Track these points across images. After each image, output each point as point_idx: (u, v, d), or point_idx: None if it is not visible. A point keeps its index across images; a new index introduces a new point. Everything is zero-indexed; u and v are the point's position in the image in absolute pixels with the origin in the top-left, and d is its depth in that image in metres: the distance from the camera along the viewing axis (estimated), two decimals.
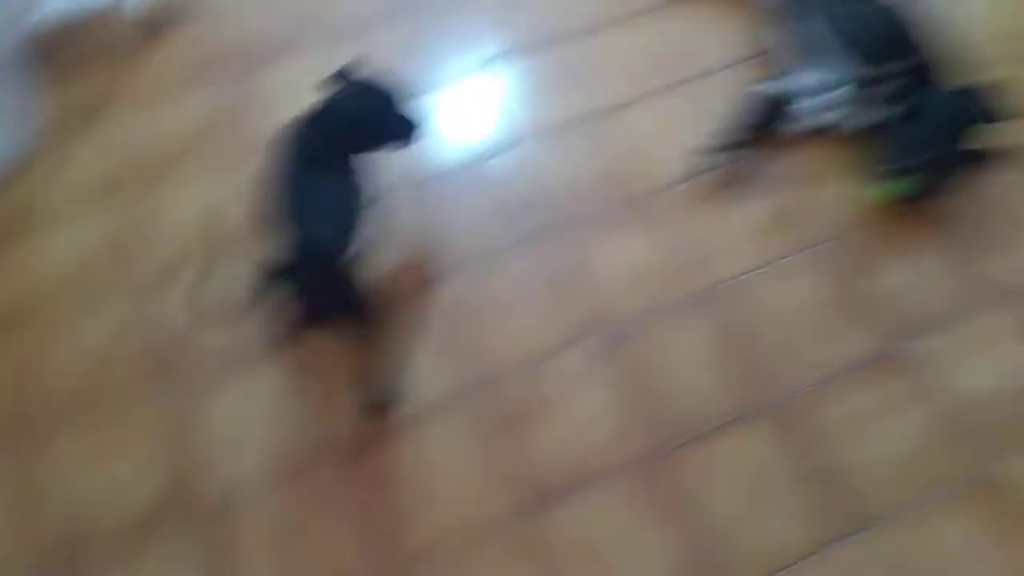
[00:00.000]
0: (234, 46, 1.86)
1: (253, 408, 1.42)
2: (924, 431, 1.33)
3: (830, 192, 1.58)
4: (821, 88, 1.59)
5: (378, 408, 1.40)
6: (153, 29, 1.89)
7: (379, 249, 1.54)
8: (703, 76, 1.74)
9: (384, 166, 1.52)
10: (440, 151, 1.67)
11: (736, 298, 1.47)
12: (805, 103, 1.60)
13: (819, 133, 1.63)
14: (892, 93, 1.55)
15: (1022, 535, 1.24)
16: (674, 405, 1.38)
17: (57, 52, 1.86)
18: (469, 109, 1.74)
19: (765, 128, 1.62)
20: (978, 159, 1.57)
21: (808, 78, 1.60)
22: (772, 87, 1.62)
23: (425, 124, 1.43)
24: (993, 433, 1.33)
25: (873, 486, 1.29)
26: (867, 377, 1.38)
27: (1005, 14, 1.82)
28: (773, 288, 1.48)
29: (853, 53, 1.58)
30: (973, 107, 1.49)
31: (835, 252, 1.51)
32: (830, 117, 1.61)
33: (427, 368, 1.43)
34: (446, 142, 1.69)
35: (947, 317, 1.44)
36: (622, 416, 1.37)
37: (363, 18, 1.89)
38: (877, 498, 1.28)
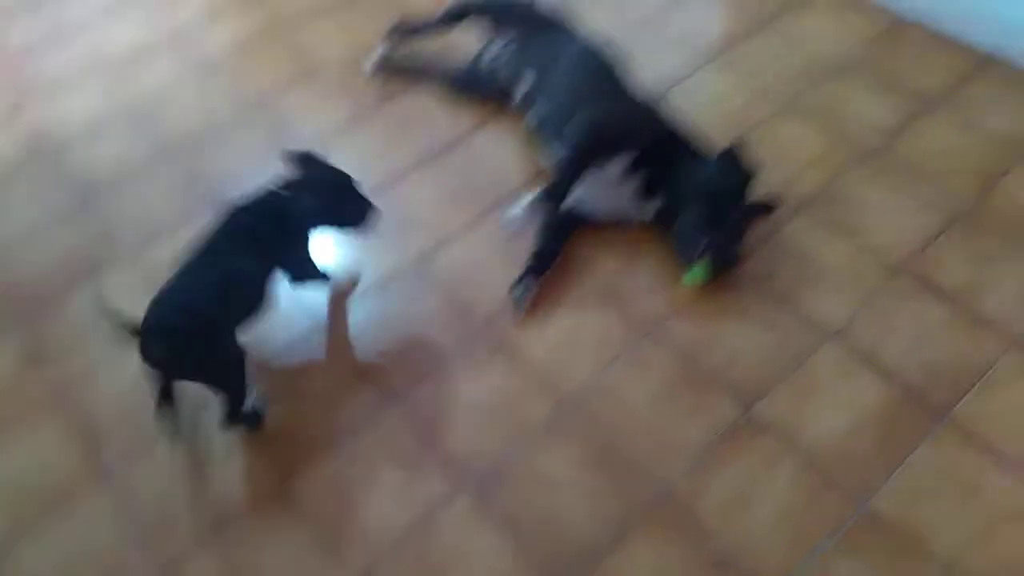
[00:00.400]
0: (20, 286, 1.76)
1: None
2: (798, 486, 1.38)
3: (651, 278, 1.66)
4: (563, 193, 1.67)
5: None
6: None
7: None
8: (509, 197, 1.81)
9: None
10: (285, 321, 1.63)
11: (594, 403, 1.49)
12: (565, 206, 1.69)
13: (622, 227, 1.72)
14: (648, 181, 1.65)
15: (911, 560, 1.29)
16: (562, 535, 1.35)
17: None
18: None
19: (558, 238, 1.70)
20: (759, 213, 1.70)
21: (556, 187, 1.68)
22: (536, 200, 1.69)
23: (376, 210, 1.57)
24: (859, 467, 1.39)
25: (768, 554, 1.30)
26: (732, 448, 1.42)
27: (727, 98, 2.02)
28: (624, 383, 1.51)
29: (584, 156, 1.66)
30: (730, 173, 1.61)
31: (671, 334, 1.58)
32: (609, 214, 1.71)
33: (304, 571, 1.34)
34: (288, 311, 1.65)
35: (785, 367, 1.52)
36: (516, 563, 1.33)
37: (163, 222, 1.85)
38: (775, 565, 1.30)
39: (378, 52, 2.09)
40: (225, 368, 1.41)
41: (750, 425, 1.45)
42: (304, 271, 1.58)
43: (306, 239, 1.53)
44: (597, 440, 1.45)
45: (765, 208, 1.70)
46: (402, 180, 1.88)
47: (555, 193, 1.66)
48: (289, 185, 1.48)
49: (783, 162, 1.84)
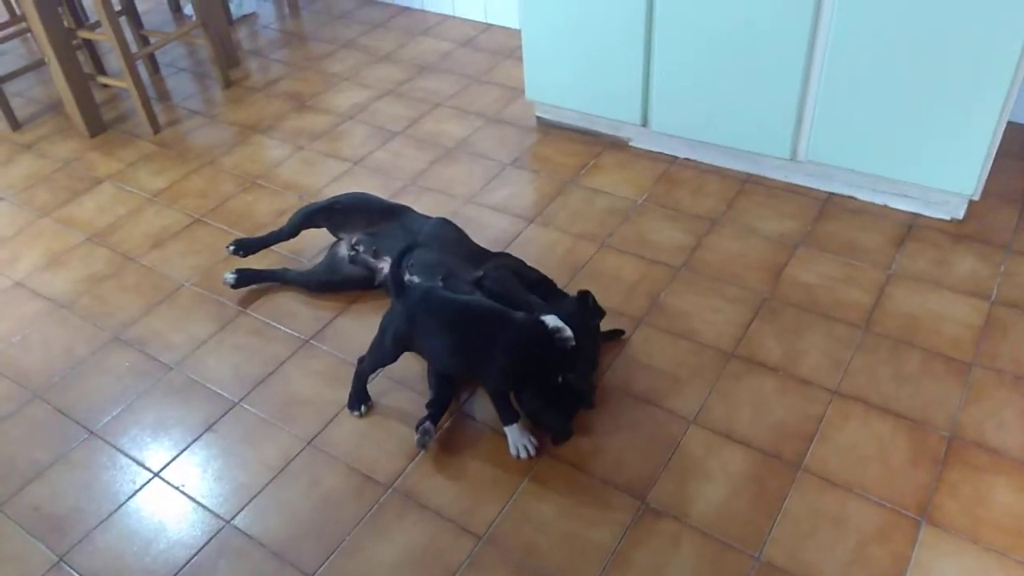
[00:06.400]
0: None
1: None
2: (701, 556, 1.53)
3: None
4: None
5: None
6: None
7: None
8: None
9: None
10: (188, 527, 1.61)
11: (507, 530, 1.59)
12: None
13: None
14: None
15: None
16: None
17: None
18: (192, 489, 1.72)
19: (448, 385, 1.86)
20: (611, 339, 1.96)
21: None
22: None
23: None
24: (745, 526, 1.57)
25: None
26: (638, 538, 1.56)
27: (555, 247, 2.36)
28: (530, 505, 1.64)
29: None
30: (587, 309, 1.85)
31: (558, 454, 1.73)
32: None
33: None
34: (189, 517, 1.64)
35: (663, 457, 1.71)
36: None
37: (37, 463, 1.81)
38: None
39: (230, 274, 2.21)
40: None
41: (647, 514, 1.61)
42: None
43: None
44: (518, 563, 1.54)
45: (615, 334, 1.97)
46: (278, 369, 1.98)
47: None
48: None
49: (614, 288, 2.14)
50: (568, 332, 1.64)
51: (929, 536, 1.53)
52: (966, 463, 1.65)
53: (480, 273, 1.90)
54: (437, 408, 1.80)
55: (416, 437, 1.74)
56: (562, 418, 1.73)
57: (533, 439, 1.73)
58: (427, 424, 1.75)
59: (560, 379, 1.71)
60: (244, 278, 2.20)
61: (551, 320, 1.66)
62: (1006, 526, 1.54)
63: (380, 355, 1.79)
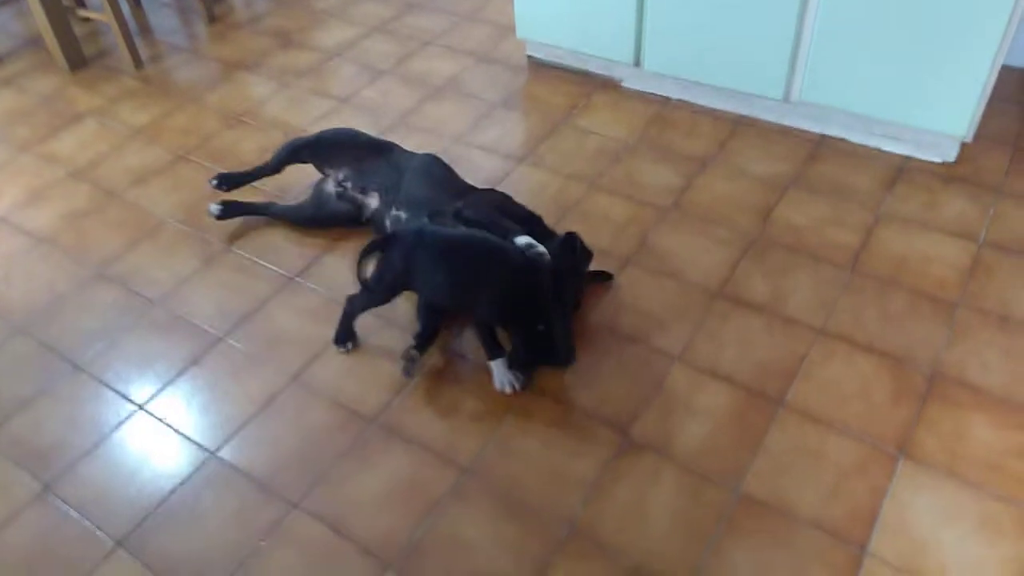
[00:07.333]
0: None
1: None
2: (681, 489, 1.55)
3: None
4: None
5: None
6: None
7: None
8: None
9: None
10: (173, 458, 1.62)
11: (490, 461, 1.61)
12: None
13: None
14: None
15: (785, 525, 1.48)
16: None
17: None
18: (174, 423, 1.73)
19: (436, 318, 1.85)
20: (599, 280, 1.96)
21: None
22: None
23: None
24: (726, 461, 1.59)
25: (673, 555, 1.45)
26: (618, 471, 1.58)
27: (545, 187, 2.34)
28: (514, 437, 1.64)
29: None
30: (574, 249, 1.83)
31: (543, 387, 1.74)
32: None
33: None
34: (175, 453, 1.65)
35: (647, 393, 1.72)
36: None
37: (20, 397, 1.80)
38: (680, 563, 1.44)
39: (215, 205, 2.19)
40: None
41: (629, 448, 1.62)
42: None
43: None
44: (501, 494, 1.55)
45: (603, 276, 1.96)
46: (263, 306, 1.97)
47: None
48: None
49: (603, 229, 2.12)
50: (541, 248, 1.67)
51: (907, 470, 1.55)
52: (947, 400, 1.67)
53: (459, 205, 1.88)
54: (424, 340, 1.80)
55: (401, 364, 1.75)
56: (530, 364, 1.74)
57: (519, 374, 1.73)
58: (413, 352, 1.75)
59: (541, 327, 1.70)
60: (229, 210, 2.18)
61: (522, 239, 1.67)
62: (983, 461, 1.56)
63: (375, 295, 1.78)
